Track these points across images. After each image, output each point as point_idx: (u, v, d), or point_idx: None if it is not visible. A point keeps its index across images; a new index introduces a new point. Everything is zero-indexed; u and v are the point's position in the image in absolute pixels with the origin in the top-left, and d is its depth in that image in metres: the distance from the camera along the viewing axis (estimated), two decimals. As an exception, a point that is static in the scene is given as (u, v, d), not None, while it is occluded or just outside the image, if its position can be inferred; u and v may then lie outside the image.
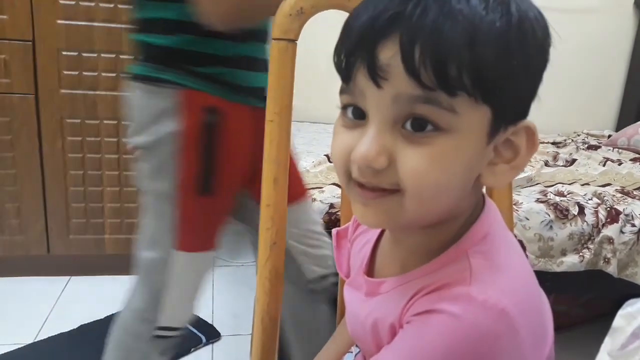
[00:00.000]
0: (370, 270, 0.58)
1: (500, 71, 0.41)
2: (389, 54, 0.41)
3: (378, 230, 0.59)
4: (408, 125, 0.42)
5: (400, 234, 0.53)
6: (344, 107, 0.47)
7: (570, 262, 1.39)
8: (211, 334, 1.65)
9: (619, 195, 1.54)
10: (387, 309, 0.50)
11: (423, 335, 0.44)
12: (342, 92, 0.46)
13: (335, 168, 0.48)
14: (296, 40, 0.67)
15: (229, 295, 1.91)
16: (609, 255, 1.41)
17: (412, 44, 0.40)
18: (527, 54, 0.42)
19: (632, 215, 1.43)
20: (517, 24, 0.41)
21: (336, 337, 0.77)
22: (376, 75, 0.42)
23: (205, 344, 1.61)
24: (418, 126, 0.42)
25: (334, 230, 0.69)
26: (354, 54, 0.43)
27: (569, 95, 2.58)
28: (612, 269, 1.41)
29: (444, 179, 0.43)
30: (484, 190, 0.56)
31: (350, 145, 0.45)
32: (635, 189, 1.65)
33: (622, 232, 1.42)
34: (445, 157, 0.42)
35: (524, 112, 0.45)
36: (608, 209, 1.44)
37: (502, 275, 0.45)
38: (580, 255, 1.40)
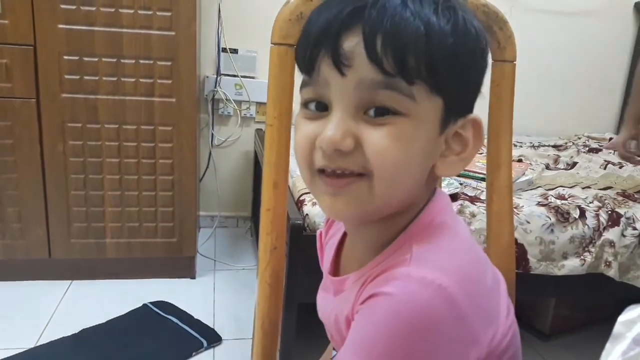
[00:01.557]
0: (336, 271, 0.60)
1: (452, 66, 0.45)
2: (352, 42, 0.44)
3: (341, 232, 0.61)
4: (371, 112, 0.45)
5: (357, 229, 0.55)
6: (305, 103, 0.49)
7: (572, 265, 1.39)
8: (212, 338, 1.65)
9: (620, 198, 1.54)
10: (344, 304, 0.52)
11: (368, 320, 0.45)
12: (304, 85, 0.49)
13: (298, 162, 0.50)
14: (295, 45, 0.67)
15: (230, 299, 1.90)
16: (610, 259, 1.41)
17: (374, 34, 0.43)
18: (472, 56, 0.47)
19: (633, 219, 1.43)
20: (463, 28, 0.46)
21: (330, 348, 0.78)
22: (340, 63, 0.44)
23: (207, 348, 1.61)
24: (380, 113, 0.45)
25: (318, 231, 0.70)
26: (318, 45, 0.46)
27: (570, 98, 2.59)
28: (613, 273, 1.41)
29: (404, 156, 0.46)
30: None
31: (314, 134, 0.47)
32: (636, 192, 1.65)
33: (623, 235, 1.41)
34: (405, 135, 0.45)
35: (470, 106, 0.50)
36: (609, 212, 1.43)
37: (442, 257, 0.47)
38: (582, 259, 1.39)
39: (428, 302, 0.43)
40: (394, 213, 0.50)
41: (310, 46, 0.46)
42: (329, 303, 0.57)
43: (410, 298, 0.43)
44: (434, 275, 0.44)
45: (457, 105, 0.48)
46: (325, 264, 0.63)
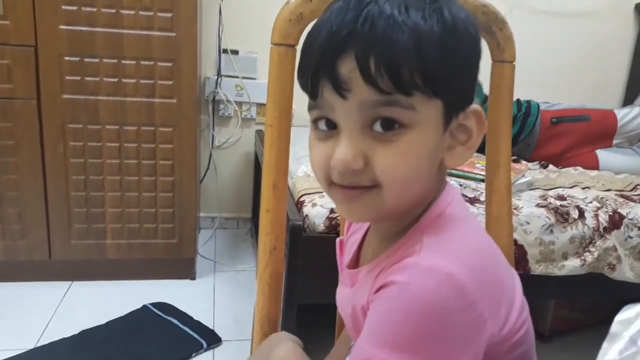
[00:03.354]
0: (356, 264, 0.63)
1: (445, 68, 0.47)
2: (348, 68, 0.46)
3: (365, 228, 0.64)
4: (377, 127, 0.48)
5: (375, 223, 0.59)
6: (315, 121, 0.52)
7: (572, 265, 1.39)
8: (212, 339, 1.65)
9: (620, 199, 1.54)
10: (360, 295, 0.55)
11: (381, 308, 0.48)
12: (311, 108, 0.52)
13: (316, 177, 0.54)
14: (296, 46, 0.67)
15: (230, 301, 1.90)
16: (614, 262, 1.41)
17: (367, 57, 0.45)
18: (464, 50, 0.49)
19: (637, 219, 1.43)
20: (452, 26, 0.47)
21: (343, 338, 0.79)
22: (340, 89, 0.47)
23: (206, 349, 1.61)
24: (386, 126, 0.48)
25: (338, 239, 0.72)
26: (317, 73, 0.48)
27: (570, 98, 2.58)
28: (616, 275, 1.41)
29: (412, 169, 0.49)
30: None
31: (327, 154, 0.50)
32: (631, 190, 1.65)
33: (629, 237, 1.41)
34: (411, 150, 0.48)
35: (469, 99, 0.51)
36: (610, 213, 1.43)
37: (451, 246, 0.49)
38: (582, 259, 1.39)
39: (437, 289, 0.45)
40: (410, 208, 0.53)
41: (310, 73, 0.49)
42: (346, 296, 0.60)
43: (420, 286, 0.45)
44: (442, 263, 0.46)
45: (456, 102, 0.50)
46: (346, 258, 0.65)
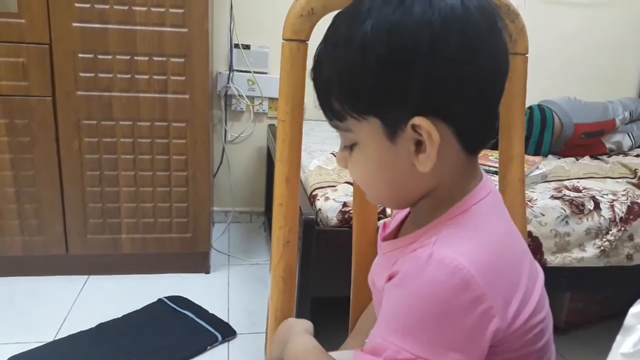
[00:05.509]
0: (396, 235, 0.66)
1: (362, 92, 0.51)
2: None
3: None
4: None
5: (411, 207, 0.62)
6: None
7: (588, 257, 1.38)
8: (227, 332, 1.66)
9: (638, 192, 1.52)
10: (381, 273, 0.59)
11: (394, 297, 0.52)
12: None
13: None
14: (307, 41, 0.67)
15: (244, 294, 1.92)
16: (631, 252, 1.40)
17: (317, 94, 0.56)
18: (371, 69, 0.50)
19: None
20: (361, 51, 0.50)
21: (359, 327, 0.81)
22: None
23: (221, 342, 1.63)
24: (350, 147, 0.57)
25: (380, 222, 0.74)
26: None
27: (584, 89, 2.55)
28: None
29: (364, 176, 0.58)
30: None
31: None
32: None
33: None
34: (359, 162, 0.57)
35: (406, 112, 0.50)
36: (628, 204, 1.42)
37: (466, 242, 0.51)
38: (600, 250, 1.38)
39: (443, 282, 0.47)
40: (430, 199, 0.56)
41: None
42: (375, 264, 0.66)
43: (429, 277, 0.48)
44: (452, 257, 0.48)
45: (392, 117, 0.51)
46: (387, 231, 0.67)
